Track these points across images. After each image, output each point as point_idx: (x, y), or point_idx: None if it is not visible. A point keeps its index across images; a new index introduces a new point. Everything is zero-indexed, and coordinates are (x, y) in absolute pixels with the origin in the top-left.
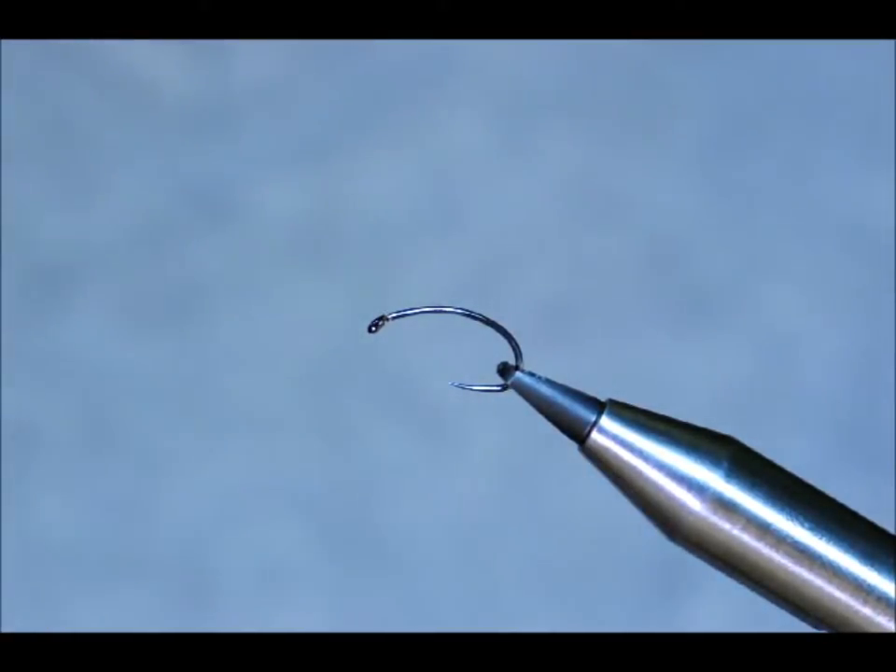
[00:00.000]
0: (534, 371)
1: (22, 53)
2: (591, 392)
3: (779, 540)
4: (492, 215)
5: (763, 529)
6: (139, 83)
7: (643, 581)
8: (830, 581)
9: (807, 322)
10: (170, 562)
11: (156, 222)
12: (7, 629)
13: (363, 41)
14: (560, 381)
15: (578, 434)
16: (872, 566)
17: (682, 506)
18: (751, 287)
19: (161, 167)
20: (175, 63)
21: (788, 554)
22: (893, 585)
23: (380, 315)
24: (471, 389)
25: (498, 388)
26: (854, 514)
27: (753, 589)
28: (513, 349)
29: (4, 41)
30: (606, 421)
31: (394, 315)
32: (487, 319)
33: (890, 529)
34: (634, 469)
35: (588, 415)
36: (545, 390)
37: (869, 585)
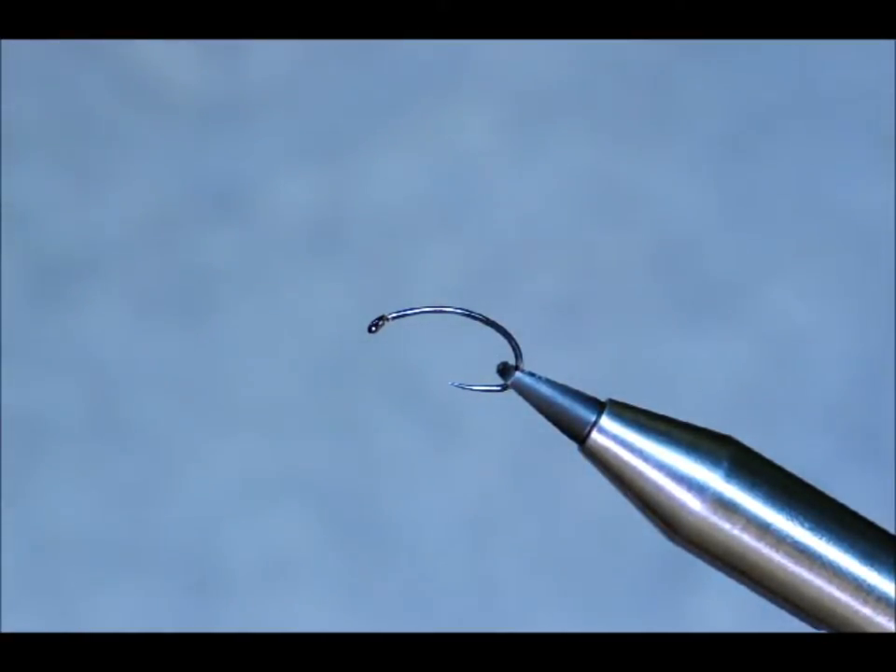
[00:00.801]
0: (534, 371)
1: (38, 50)
2: (600, 391)
3: (779, 540)
4: (501, 213)
5: (763, 529)
6: (153, 79)
7: (648, 577)
8: (830, 581)
9: (815, 322)
10: (179, 553)
11: (168, 216)
12: (17, 621)
13: (375, 41)
14: (568, 380)
15: (578, 434)
16: (872, 566)
17: (682, 506)
18: (760, 286)
19: (174, 162)
20: (189, 59)
21: (788, 554)
22: (893, 585)
23: (380, 314)
24: (471, 389)
25: (498, 388)
26: (854, 514)
27: (753, 589)
28: (513, 349)
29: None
30: (606, 421)
31: (394, 314)
32: (487, 319)
33: (892, 529)
34: (634, 469)
35: (588, 415)
36: (545, 390)
37: (869, 585)
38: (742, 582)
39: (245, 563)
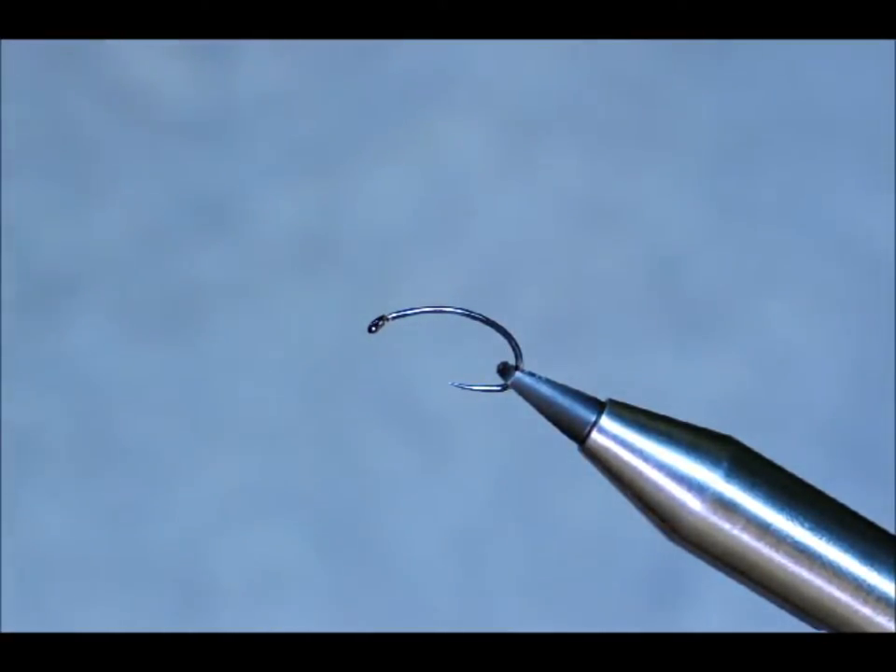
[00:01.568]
0: (534, 371)
1: (23, 58)
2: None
3: (779, 540)
4: (492, 229)
5: (763, 529)
6: (141, 90)
7: (638, 589)
8: (830, 581)
9: (807, 338)
10: (168, 569)
11: (157, 230)
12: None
13: (368, 51)
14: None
15: (578, 434)
16: (872, 566)
17: (682, 506)
18: (752, 302)
19: (163, 177)
20: (177, 70)
21: (788, 554)
22: (893, 585)
23: (380, 314)
24: (471, 389)
25: (498, 388)
26: (854, 514)
27: (753, 589)
28: (513, 349)
29: (4, 43)
30: (606, 421)
31: (394, 315)
32: (487, 319)
33: (889, 529)
34: (634, 469)
35: (588, 415)
36: (545, 390)
37: (869, 585)
38: (742, 582)
39: (234, 579)
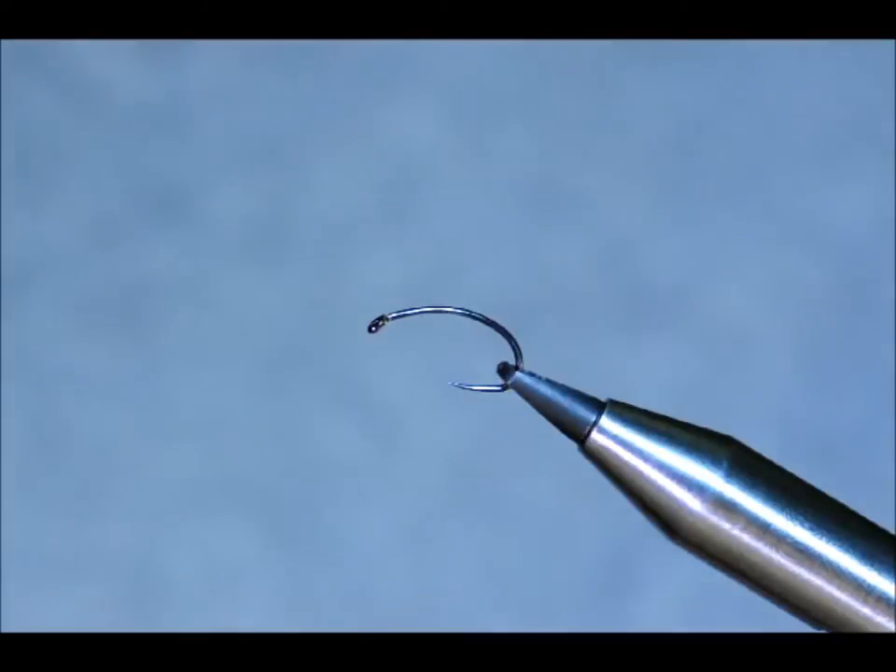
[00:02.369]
0: (534, 371)
1: None
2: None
3: (779, 540)
4: (445, 215)
5: (763, 529)
6: (92, 83)
7: (588, 584)
8: (830, 581)
9: (760, 323)
10: (119, 562)
11: (108, 223)
12: None
13: (316, 43)
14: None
15: (578, 434)
16: (872, 566)
17: (682, 506)
18: (705, 288)
19: (114, 169)
20: (128, 62)
21: (788, 554)
22: (893, 585)
23: (380, 315)
24: (471, 389)
25: (498, 388)
26: (854, 514)
27: (753, 589)
28: (513, 349)
29: None
30: (606, 421)
31: (394, 315)
32: (487, 319)
33: (889, 529)
34: (634, 469)
35: (588, 415)
36: (545, 390)
37: (869, 585)
38: (742, 582)
39: (185, 572)
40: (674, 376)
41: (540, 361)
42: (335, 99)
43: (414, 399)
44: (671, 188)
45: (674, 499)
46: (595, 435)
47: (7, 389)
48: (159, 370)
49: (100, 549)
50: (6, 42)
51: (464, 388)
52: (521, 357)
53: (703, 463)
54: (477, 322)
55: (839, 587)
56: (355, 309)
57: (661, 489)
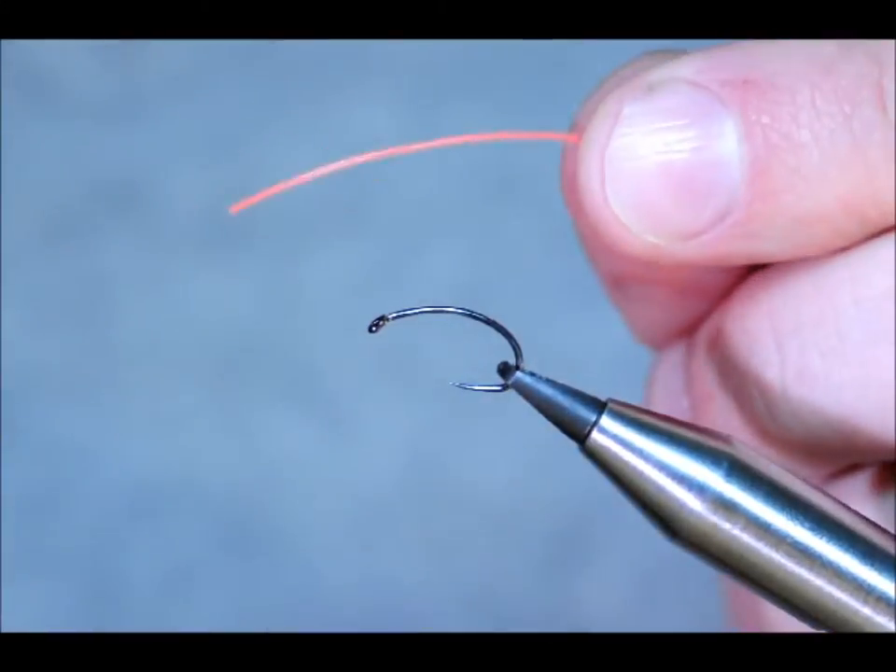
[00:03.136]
0: (534, 371)
1: None
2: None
3: (779, 540)
4: (401, 200)
5: (763, 529)
6: (45, 76)
7: (538, 565)
8: (830, 581)
9: None
10: (73, 559)
11: (62, 216)
12: None
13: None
14: (469, 361)
15: (578, 434)
16: (872, 566)
17: (682, 506)
18: None
19: (68, 162)
20: (82, 56)
21: (788, 554)
22: (893, 585)
23: (380, 315)
24: (471, 389)
25: (499, 388)
26: (854, 514)
27: (753, 589)
28: (514, 349)
29: None
30: (606, 421)
31: (394, 315)
32: (488, 319)
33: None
34: (634, 469)
35: (588, 415)
36: (545, 390)
37: (869, 584)
38: (742, 582)
39: (140, 569)
40: (626, 348)
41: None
42: (287, 89)
43: (365, 392)
44: None
45: (674, 499)
46: (595, 435)
47: None
48: (114, 363)
49: (53, 549)
50: None
51: (464, 388)
52: (521, 356)
53: (703, 463)
54: (479, 322)
55: (839, 587)
56: (313, 299)
57: (661, 489)
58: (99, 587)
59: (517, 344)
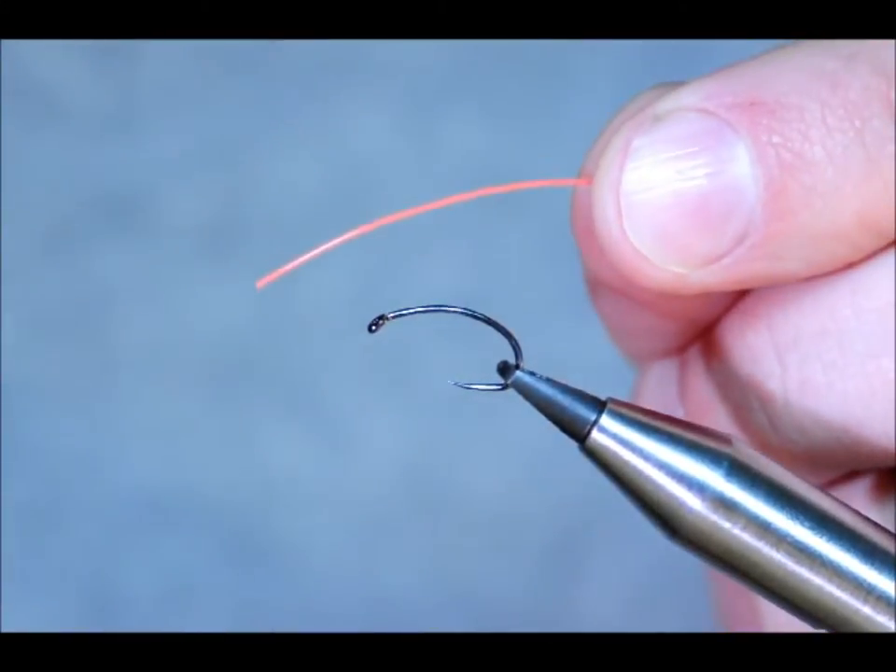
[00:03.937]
0: (534, 371)
1: None
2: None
3: (779, 540)
4: (397, 207)
5: (763, 529)
6: (44, 86)
7: (535, 576)
8: (830, 580)
9: None
10: (75, 571)
11: (60, 227)
12: None
13: (264, 42)
14: (465, 368)
15: (578, 433)
16: (872, 566)
17: (682, 505)
18: None
19: (66, 172)
20: (78, 66)
21: (788, 554)
22: (893, 585)
23: (380, 314)
24: (472, 389)
25: (499, 387)
26: (854, 514)
27: (753, 588)
28: (513, 348)
29: None
30: (606, 420)
31: (393, 314)
32: (488, 319)
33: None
34: (634, 468)
35: (588, 414)
36: (545, 389)
37: (869, 584)
38: (742, 582)
39: (140, 580)
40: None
41: (494, 347)
42: (284, 98)
43: (366, 403)
44: None
45: (674, 499)
46: (595, 434)
47: None
48: (111, 378)
49: (54, 560)
50: None
51: (465, 388)
52: (521, 356)
53: (703, 462)
54: (478, 327)
55: (839, 587)
56: (310, 308)
57: (661, 488)
58: (99, 598)
59: (517, 344)
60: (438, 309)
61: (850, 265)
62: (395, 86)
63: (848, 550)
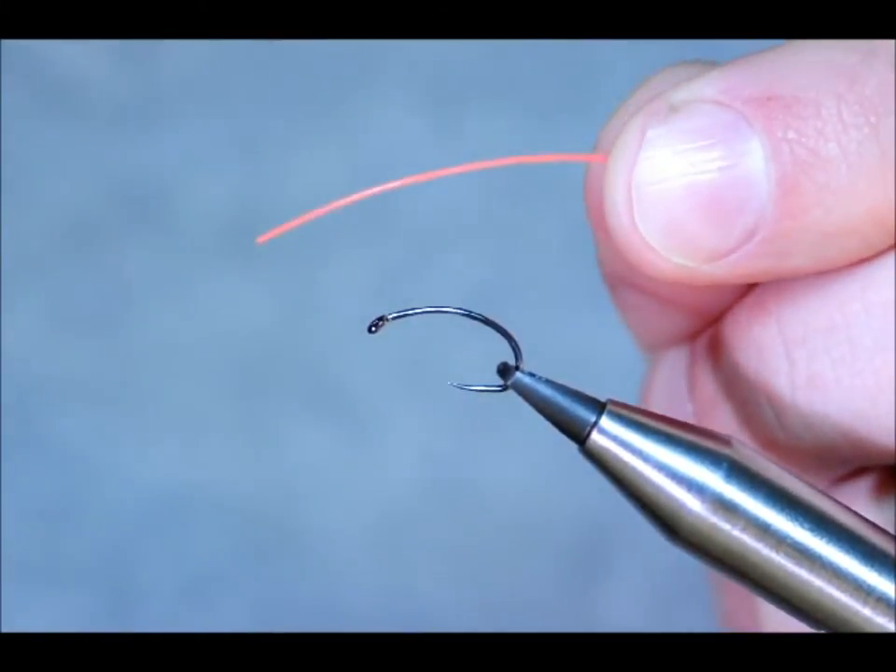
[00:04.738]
0: (534, 372)
1: None
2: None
3: (779, 541)
4: (419, 202)
5: (763, 530)
6: (64, 81)
7: (559, 576)
8: (830, 582)
9: None
10: (95, 567)
11: (83, 222)
12: None
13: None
14: (485, 362)
15: (578, 435)
16: (872, 566)
17: (682, 506)
18: None
19: (88, 166)
20: (100, 59)
21: (788, 554)
22: (893, 585)
23: (380, 315)
24: (471, 390)
25: (498, 388)
26: (854, 514)
27: (753, 590)
28: (513, 349)
29: None
30: (606, 421)
31: (393, 315)
32: (487, 319)
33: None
34: (634, 469)
35: (588, 416)
36: (545, 391)
37: (869, 585)
38: (742, 583)
39: (158, 578)
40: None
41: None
42: (307, 92)
43: (387, 402)
44: None
45: (674, 500)
46: (594, 436)
47: None
48: (135, 371)
49: (76, 554)
50: None
51: (464, 389)
52: (521, 357)
53: (703, 463)
54: (477, 323)
55: (839, 588)
56: (331, 304)
57: (661, 490)
58: (117, 596)
59: (517, 345)
60: (438, 310)
61: (861, 261)
62: (418, 81)
63: (848, 551)
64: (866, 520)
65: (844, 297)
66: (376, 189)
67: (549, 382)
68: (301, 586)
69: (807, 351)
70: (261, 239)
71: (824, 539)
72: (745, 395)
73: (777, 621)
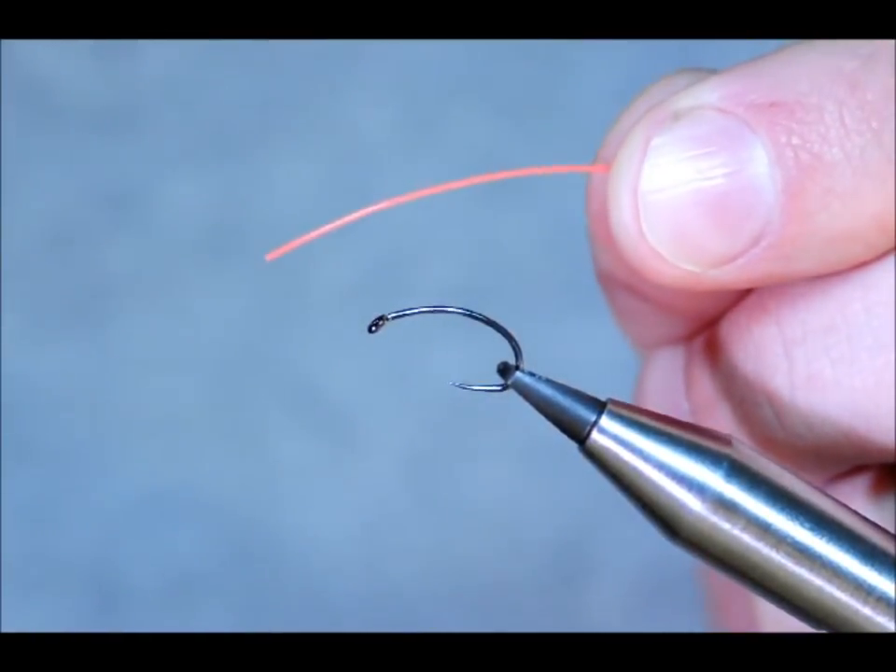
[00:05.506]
0: (534, 371)
1: None
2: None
3: (779, 540)
4: (400, 207)
5: (763, 529)
6: (43, 85)
7: (542, 577)
8: (830, 581)
9: None
10: (77, 570)
11: (62, 224)
12: None
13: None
14: (466, 364)
15: (578, 434)
16: (872, 566)
17: (682, 506)
18: None
19: (68, 169)
20: (79, 61)
21: (788, 554)
22: (893, 585)
23: (379, 314)
24: (471, 389)
25: (498, 388)
26: (854, 514)
27: (753, 589)
28: (513, 349)
29: None
30: (606, 421)
31: (393, 315)
32: (487, 319)
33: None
34: (634, 469)
35: (588, 415)
36: (545, 390)
37: (869, 585)
38: (742, 583)
39: (142, 580)
40: (625, 352)
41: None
42: (286, 95)
43: (368, 401)
44: None
45: (674, 500)
46: (595, 435)
47: None
48: (115, 373)
49: (57, 556)
50: None
51: (464, 388)
52: (521, 356)
53: (703, 463)
54: (478, 323)
55: (839, 587)
56: (312, 305)
57: (661, 489)
58: (102, 598)
59: (517, 344)
60: (438, 309)
61: (863, 263)
62: (398, 82)
63: (848, 551)
64: (866, 519)
65: (844, 297)
66: (378, 207)
67: (549, 381)
68: (285, 588)
69: (807, 350)
70: (270, 256)
71: (824, 539)
72: (743, 394)
73: (775, 619)
